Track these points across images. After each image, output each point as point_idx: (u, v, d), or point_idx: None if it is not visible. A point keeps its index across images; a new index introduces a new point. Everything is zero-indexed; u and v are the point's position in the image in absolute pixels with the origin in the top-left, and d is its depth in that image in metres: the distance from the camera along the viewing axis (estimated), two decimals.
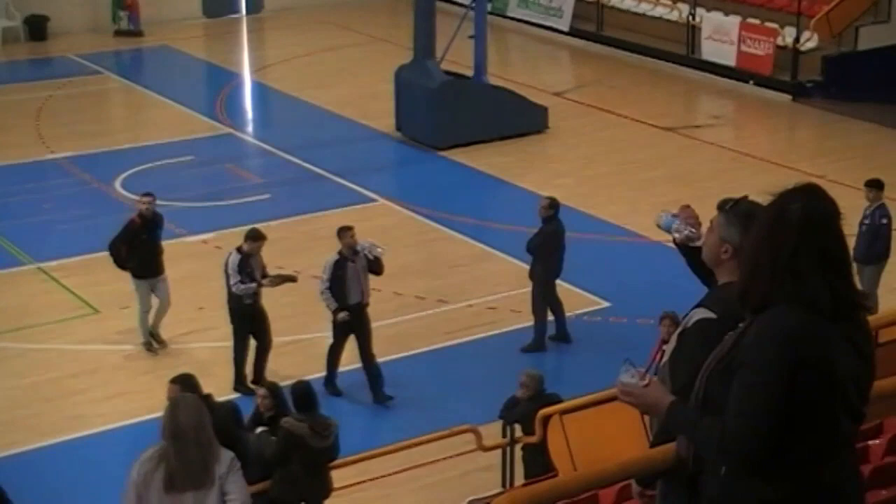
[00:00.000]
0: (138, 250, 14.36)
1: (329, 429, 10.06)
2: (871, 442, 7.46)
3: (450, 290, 16.17)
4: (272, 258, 16.67)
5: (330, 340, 13.75)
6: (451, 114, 21.74)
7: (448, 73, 22.37)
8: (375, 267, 13.67)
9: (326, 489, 10.34)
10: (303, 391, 10.26)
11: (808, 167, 20.05)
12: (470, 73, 22.66)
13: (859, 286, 13.83)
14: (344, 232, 13.59)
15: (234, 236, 17.58)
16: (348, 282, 13.44)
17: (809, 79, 24.90)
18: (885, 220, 14.42)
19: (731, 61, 25.73)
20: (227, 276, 13.55)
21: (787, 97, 24.82)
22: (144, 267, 14.45)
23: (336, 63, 27.92)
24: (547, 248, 14.59)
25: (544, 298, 14.65)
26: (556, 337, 14.84)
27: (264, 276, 13.78)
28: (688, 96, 26.38)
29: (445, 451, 12.29)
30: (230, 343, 13.92)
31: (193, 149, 22.42)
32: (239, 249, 13.63)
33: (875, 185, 14.70)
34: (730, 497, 3.72)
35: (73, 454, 12.69)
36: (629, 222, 18.34)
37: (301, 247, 17.62)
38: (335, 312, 13.47)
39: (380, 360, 14.00)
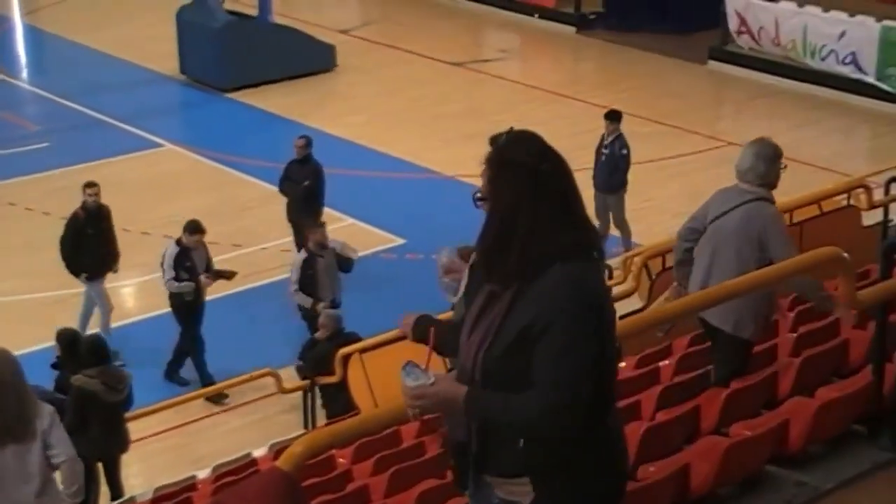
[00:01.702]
0: (88, 247, 13.01)
1: (123, 381, 9.79)
2: (661, 363, 7.69)
3: (243, 234, 15.93)
4: (58, 208, 16.12)
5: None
6: (236, 54, 21.30)
7: (231, 12, 21.91)
8: (345, 265, 12.89)
9: (124, 443, 10.09)
10: (93, 345, 9.95)
11: (594, 97, 20.45)
12: (254, 12, 22.22)
13: (605, 214, 14.16)
14: (315, 229, 12.80)
15: (11, 187, 17.01)
16: (319, 278, 12.56)
17: (592, 10, 25.34)
18: (624, 151, 14.80)
19: None
20: (163, 271, 12.45)
21: (571, 29, 25.21)
22: (98, 264, 13.13)
23: (112, 4, 26.93)
24: (313, 190, 14.38)
25: None
26: None
27: (208, 269, 12.70)
28: (474, 30, 26.51)
29: (246, 396, 12.18)
30: (18, 297, 13.43)
31: None
32: (178, 242, 12.48)
33: (612, 117, 15.08)
34: (530, 465, 3.54)
35: None
36: (421, 159, 18.39)
37: None
38: (313, 307, 12.51)
39: None
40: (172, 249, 12.46)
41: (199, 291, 12.55)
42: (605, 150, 14.82)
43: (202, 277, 12.56)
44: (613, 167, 14.75)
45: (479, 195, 3.64)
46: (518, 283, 3.49)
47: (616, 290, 11.29)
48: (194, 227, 12.56)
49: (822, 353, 6.79)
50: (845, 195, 12.30)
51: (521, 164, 3.50)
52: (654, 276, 11.08)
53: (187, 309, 12.57)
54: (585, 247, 3.51)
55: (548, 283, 3.43)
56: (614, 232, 15.07)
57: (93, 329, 12.88)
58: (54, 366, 10.22)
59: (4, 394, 6.34)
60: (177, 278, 12.38)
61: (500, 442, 3.55)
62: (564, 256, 3.45)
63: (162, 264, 12.49)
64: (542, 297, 3.43)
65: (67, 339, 10.21)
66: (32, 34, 25.87)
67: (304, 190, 14.41)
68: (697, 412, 6.16)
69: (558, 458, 3.52)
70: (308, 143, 14.62)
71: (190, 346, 12.64)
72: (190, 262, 12.43)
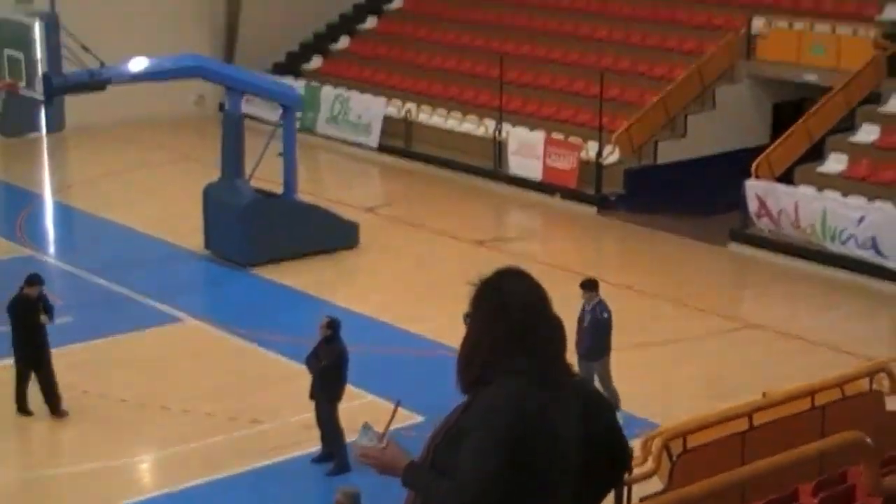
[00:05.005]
0: None
1: None
2: None
3: (263, 410, 15.87)
4: (79, 381, 16.14)
5: None
6: (261, 231, 21.58)
7: (258, 190, 22.28)
8: None
9: None
10: None
11: (615, 277, 20.55)
12: (280, 190, 22.61)
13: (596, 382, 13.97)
14: None
15: None
16: None
17: (613, 191, 25.69)
18: (605, 315, 15.00)
19: (537, 175, 26.39)
20: None
21: (592, 209, 25.51)
22: None
23: (142, 182, 27.51)
24: (333, 369, 14.26)
25: (331, 418, 14.35)
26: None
27: None
28: (497, 210, 26.86)
29: None
30: (41, 472, 13.30)
31: None
32: None
33: (587, 286, 15.32)
34: None
35: None
36: (442, 336, 18.37)
37: (110, 370, 17.10)
38: None
39: (192, 483, 13.59)
40: None
41: None
42: (587, 317, 14.94)
43: None
44: (595, 332, 14.82)
45: (465, 314, 4.33)
46: (476, 391, 4.07)
47: (636, 472, 11.15)
48: None
49: None
50: (868, 379, 12.21)
51: (494, 292, 4.16)
52: (674, 458, 10.94)
53: None
54: (534, 372, 4.00)
55: (484, 393, 4.02)
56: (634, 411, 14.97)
57: None
58: None
59: None
60: None
61: None
62: (509, 374, 3.99)
63: None
64: (476, 403, 4.03)
65: None
66: (62, 211, 26.33)
67: (320, 369, 14.32)
68: None
69: None
70: (328, 324, 14.38)
71: None
72: None
